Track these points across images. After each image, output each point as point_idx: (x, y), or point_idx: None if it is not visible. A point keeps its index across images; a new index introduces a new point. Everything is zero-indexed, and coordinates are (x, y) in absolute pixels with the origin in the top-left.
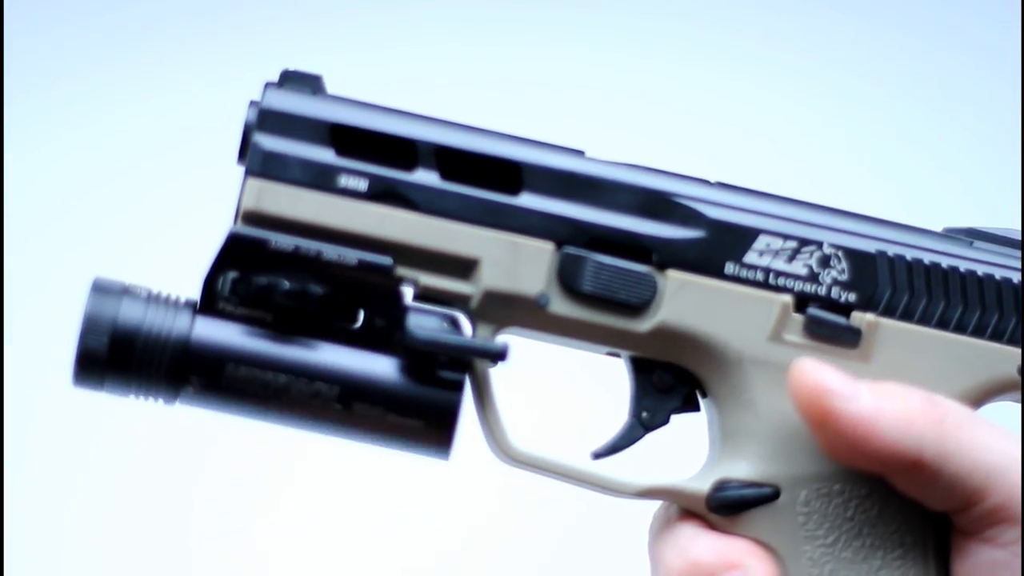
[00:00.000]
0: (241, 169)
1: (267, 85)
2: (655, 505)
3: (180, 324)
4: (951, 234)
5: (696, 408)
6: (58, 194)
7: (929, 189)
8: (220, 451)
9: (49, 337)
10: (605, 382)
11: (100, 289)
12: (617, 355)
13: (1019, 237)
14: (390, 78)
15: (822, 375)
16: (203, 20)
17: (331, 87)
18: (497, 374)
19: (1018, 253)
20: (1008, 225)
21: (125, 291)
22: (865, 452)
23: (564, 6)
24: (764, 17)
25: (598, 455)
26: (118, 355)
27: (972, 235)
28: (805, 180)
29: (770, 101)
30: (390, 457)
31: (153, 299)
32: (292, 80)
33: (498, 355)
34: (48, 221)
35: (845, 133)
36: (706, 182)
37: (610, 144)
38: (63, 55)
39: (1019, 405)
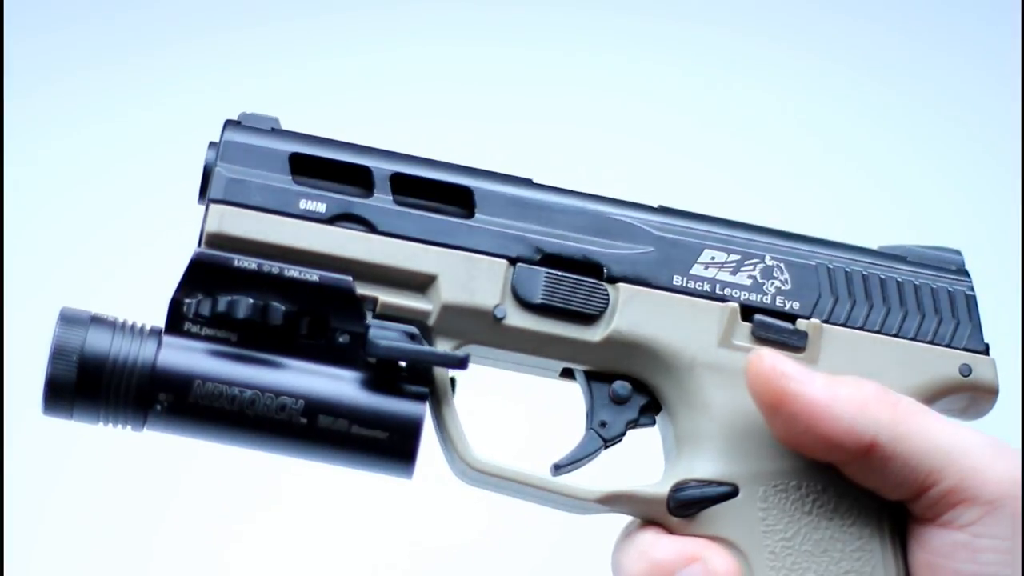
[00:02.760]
0: (202, 208)
1: (227, 123)
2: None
3: (147, 347)
4: (885, 251)
5: (651, 422)
6: (37, 213)
7: (926, 192)
8: (194, 474)
9: (20, 360)
10: (561, 405)
11: (67, 319)
12: (572, 376)
13: (948, 254)
14: (382, 80)
15: (779, 360)
16: (178, 33)
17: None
18: (457, 396)
19: (950, 264)
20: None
21: (92, 320)
22: (820, 435)
23: (556, 8)
24: (763, 20)
25: (559, 467)
26: (87, 382)
27: (905, 251)
28: (799, 183)
29: (767, 104)
30: (360, 482)
31: (120, 327)
32: (250, 120)
33: (459, 363)
34: (28, 240)
35: (841, 137)
36: (649, 207)
37: (600, 145)
38: (42, 68)
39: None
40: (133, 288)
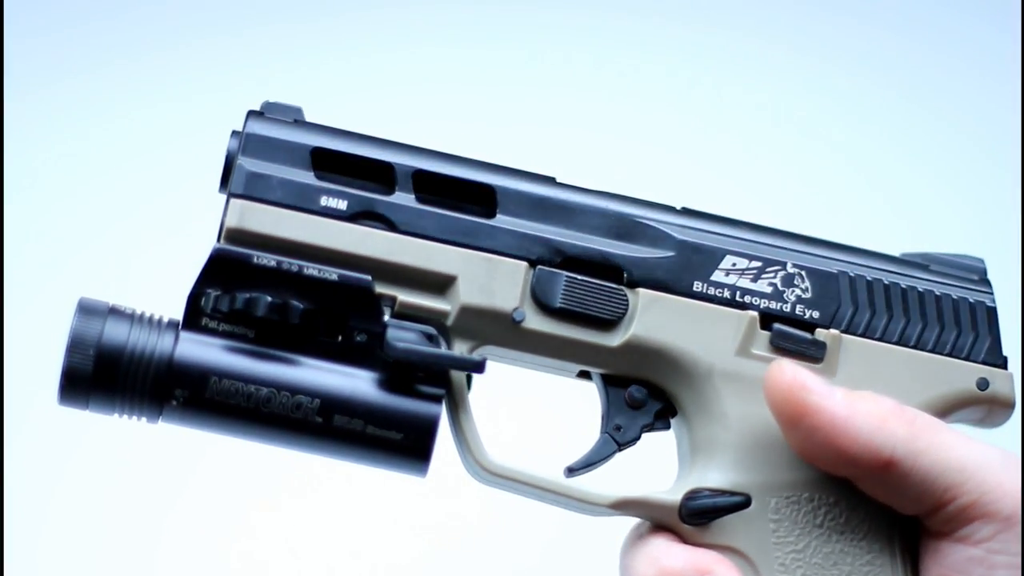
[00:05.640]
0: (223, 196)
1: (250, 113)
2: (632, 523)
3: (164, 341)
4: (908, 258)
5: (666, 426)
6: (52, 206)
7: (926, 194)
8: (205, 469)
9: (34, 353)
10: (577, 406)
11: (86, 309)
12: (588, 376)
13: (972, 262)
14: (400, 80)
15: (800, 373)
16: (198, 28)
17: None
18: (473, 395)
19: (972, 274)
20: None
21: (110, 311)
22: (839, 450)
23: (570, 13)
24: (767, 23)
25: (572, 470)
26: (104, 372)
27: (927, 259)
28: (802, 186)
29: (769, 107)
30: (369, 476)
31: (137, 319)
32: (274, 110)
33: (476, 366)
34: (43, 232)
35: (843, 140)
36: (672, 208)
37: (605, 147)
38: (60, 62)
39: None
40: (151, 282)
